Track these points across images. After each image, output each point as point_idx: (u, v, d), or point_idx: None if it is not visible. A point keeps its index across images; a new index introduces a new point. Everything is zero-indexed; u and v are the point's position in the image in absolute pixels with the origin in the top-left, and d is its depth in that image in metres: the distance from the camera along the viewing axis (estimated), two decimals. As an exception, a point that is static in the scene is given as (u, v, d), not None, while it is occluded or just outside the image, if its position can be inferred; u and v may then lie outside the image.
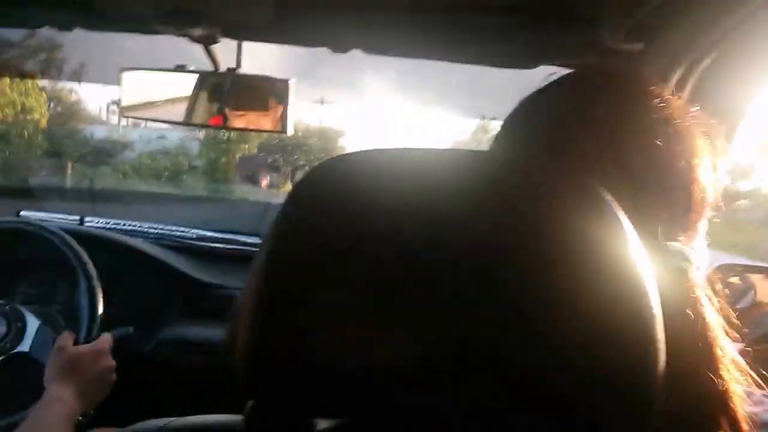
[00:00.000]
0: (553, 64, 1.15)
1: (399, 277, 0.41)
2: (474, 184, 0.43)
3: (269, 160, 20.11)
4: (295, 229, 0.44)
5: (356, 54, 1.22)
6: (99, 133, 18.86)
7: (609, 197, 0.43)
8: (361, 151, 0.48)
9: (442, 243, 0.41)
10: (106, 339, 1.54)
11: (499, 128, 0.69)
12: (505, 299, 0.40)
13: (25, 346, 1.58)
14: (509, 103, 0.68)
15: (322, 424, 0.48)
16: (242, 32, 1.25)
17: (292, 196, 0.46)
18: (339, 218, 0.43)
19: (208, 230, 2.30)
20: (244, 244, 2.24)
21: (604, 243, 0.41)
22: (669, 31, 0.93)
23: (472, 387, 0.41)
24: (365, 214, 0.42)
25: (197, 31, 1.20)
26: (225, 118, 1.44)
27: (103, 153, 17.58)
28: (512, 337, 0.40)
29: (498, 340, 0.40)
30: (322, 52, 1.23)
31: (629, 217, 0.43)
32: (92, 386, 1.43)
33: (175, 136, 18.49)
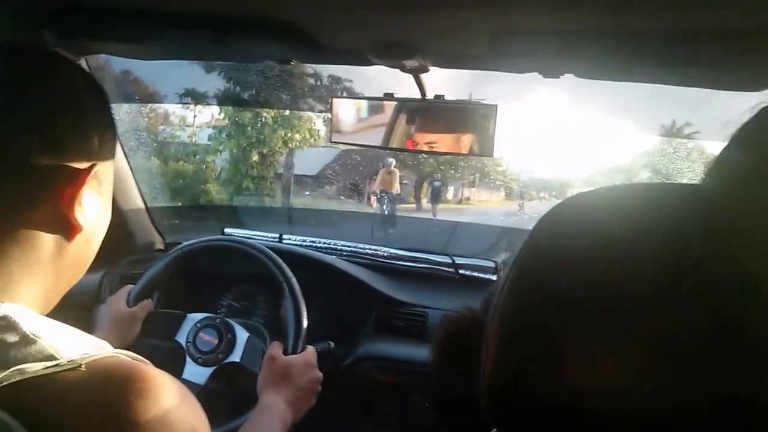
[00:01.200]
0: None
1: (663, 321, 0.39)
2: (712, 220, 0.41)
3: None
4: (545, 264, 0.44)
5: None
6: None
7: None
8: (602, 188, 0.47)
9: (709, 286, 0.39)
10: (312, 351, 1.61)
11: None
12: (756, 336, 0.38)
13: (236, 356, 1.67)
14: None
15: None
16: (455, 62, 1.26)
17: (537, 231, 0.47)
18: (589, 255, 0.42)
19: (399, 248, 2.33)
20: (434, 263, 2.26)
21: None
22: None
23: None
24: (617, 251, 0.41)
25: (410, 63, 1.23)
26: (426, 143, 1.46)
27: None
28: None
29: None
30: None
31: None
32: (302, 395, 1.49)
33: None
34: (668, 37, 1.00)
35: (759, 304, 0.39)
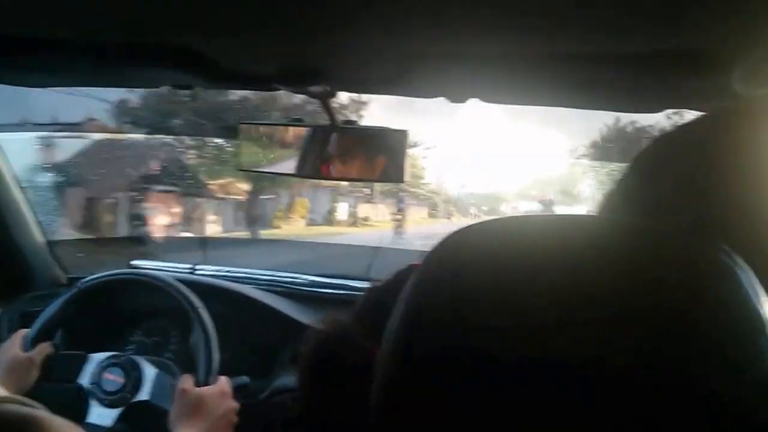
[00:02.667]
0: (680, 108, 1.12)
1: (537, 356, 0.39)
2: (608, 252, 0.42)
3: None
4: (433, 296, 0.44)
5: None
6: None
7: (740, 265, 0.41)
8: (495, 219, 0.48)
9: (587, 318, 0.39)
10: (226, 380, 1.56)
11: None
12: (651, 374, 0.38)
13: (144, 395, 1.61)
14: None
15: None
16: (362, 87, 1.25)
17: (429, 261, 0.46)
18: (477, 286, 0.42)
19: (318, 275, 2.29)
20: (354, 288, 2.23)
21: (736, 317, 0.39)
22: None
23: None
24: (501, 282, 0.42)
25: (316, 88, 1.21)
26: (338, 170, 1.43)
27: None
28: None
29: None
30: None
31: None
32: (218, 427, 1.44)
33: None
34: (570, 61, 1.01)
35: (650, 334, 0.39)
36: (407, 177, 1.36)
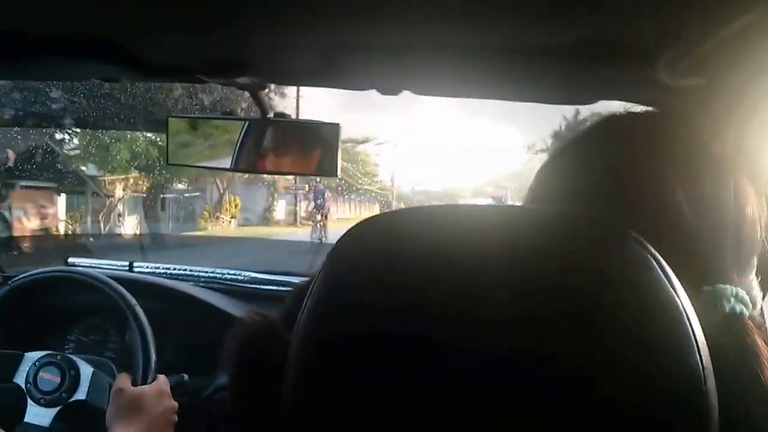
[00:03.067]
0: (612, 99, 1.12)
1: (436, 353, 0.39)
2: (521, 240, 0.42)
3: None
4: (338, 286, 0.44)
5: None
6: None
7: (653, 253, 0.41)
8: (405, 209, 0.48)
9: (489, 305, 0.39)
10: (164, 379, 1.53)
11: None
12: (554, 364, 0.38)
13: (81, 394, 1.59)
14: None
15: None
16: (289, 79, 1.23)
17: (334, 252, 0.46)
18: (381, 277, 0.42)
19: (260, 272, 2.26)
20: None
21: (649, 301, 0.39)
22: (731, 67, 0.88)
23: None
24: (406, 273, 0.42)
25: (244, 80, 1.18)
26: (273, 163, 1.41)
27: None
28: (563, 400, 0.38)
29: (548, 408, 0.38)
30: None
31: (681, 261, 0.42)
32: (156, 427, 1.41)
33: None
34: (502, 53, 1.00)
35: (558, 321, 0.38)
36: (340, 172, 1.35)
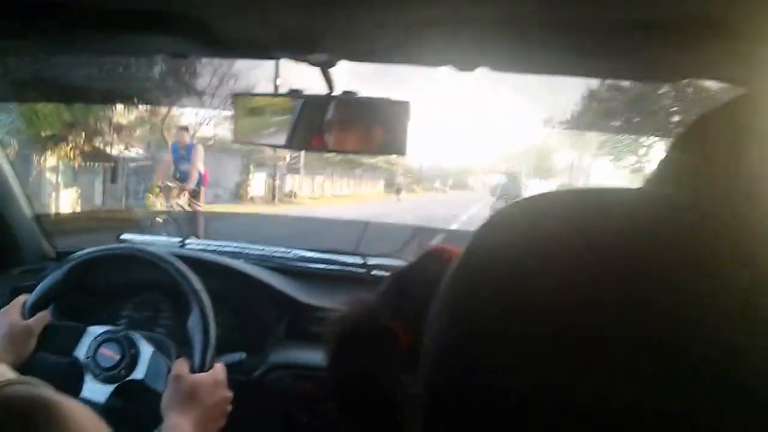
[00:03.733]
0: (700, 78, 1.10)
1: (589, 332, 0.37)
2: (665, 229, 0.39)
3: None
4: (482, 271, 0.42)
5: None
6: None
7: None
8: (543, 194, 0.46)
9: (643, 292, 0.37)
10: (221, 368, 1.52)
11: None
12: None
13: (139, 374, 1.58)
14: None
15: None
16: (364, 56, 1.22)
17: (474, 246, 0.44)
18: (528, 263, 0.40)
19: (309, 250, 2.26)
20: (345, 264, 2.21)
21: None
22: None
23: None
24: (561, 260, 0.39)
25: (316, 57, 1.18)
26: (336, 141, 1.40)
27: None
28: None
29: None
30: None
31: None
32: (210, 416, 1.42)
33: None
34: (580, 27, 0.99)
35: (708, 313, 0.36)
36: (408, 151, 1.33)
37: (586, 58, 1.10)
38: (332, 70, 1.26)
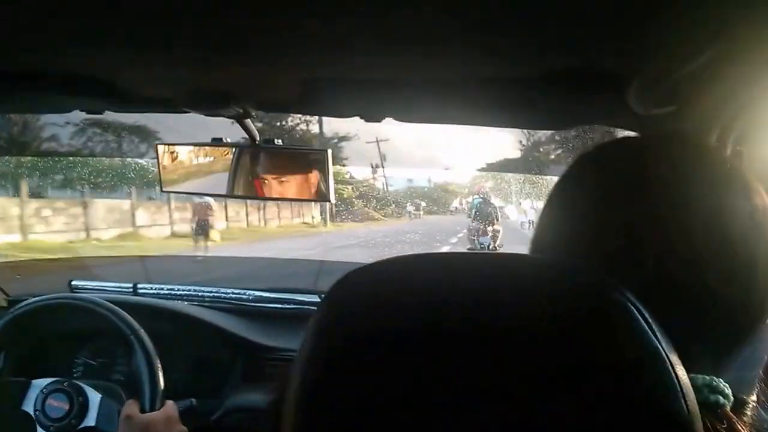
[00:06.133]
0: (589, 125, 1.16)
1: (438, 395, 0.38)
2: (505, 290, 0.42)
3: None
4: (333, 331, 0.43)
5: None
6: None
7: (633, 301, 0.41)
8: (399, 257, 0.47)
9: (488, 353, 0.39)
10: (173, 404, 1.52)
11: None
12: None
13: (90, 420, 1.58)
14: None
15: None
16: (274, 107, 1.22)
17: (328, 299, 0.46)
18: (376, 323, 0.42)
19: (264, 290, 2.24)
20: (302, 303, 2.18)
21: (632, 351, 0.39)
22: (703, 92, 0.88)
23: None
24: (402, 319, 0.41)
25: (229, 111, 1.18)
26: (269, 189, 1.40)
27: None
28: None
29: None
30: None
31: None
32: None
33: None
34: (481, 83, 1.02)
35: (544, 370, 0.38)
36: (333, 197, 1.34)
37: (481, 110, 1.12)
38: (249, 121, 1.26)
